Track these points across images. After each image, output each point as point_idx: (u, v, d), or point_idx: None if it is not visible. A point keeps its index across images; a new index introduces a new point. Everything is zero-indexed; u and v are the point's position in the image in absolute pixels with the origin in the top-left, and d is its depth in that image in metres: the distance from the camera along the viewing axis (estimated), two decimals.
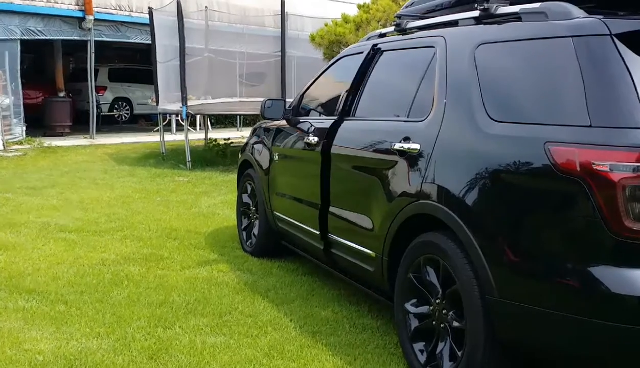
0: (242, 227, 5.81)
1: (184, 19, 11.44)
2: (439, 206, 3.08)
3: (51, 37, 15.39)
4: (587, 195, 2.44)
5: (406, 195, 3.33)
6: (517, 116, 2.85)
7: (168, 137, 14.43)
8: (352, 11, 10.94)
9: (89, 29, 15.35)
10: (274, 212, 5.10)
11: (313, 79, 5.03)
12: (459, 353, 2.96)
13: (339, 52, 5.21)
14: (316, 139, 4.35)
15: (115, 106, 20.51)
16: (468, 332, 2.89)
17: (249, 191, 5.70)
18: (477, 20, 3.32)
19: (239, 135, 15.62)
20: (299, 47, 12.93)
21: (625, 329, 2.38)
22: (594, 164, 2.43)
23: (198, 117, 17.24)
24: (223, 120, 20.61)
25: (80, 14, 15.16)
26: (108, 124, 19.36)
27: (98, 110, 17.67)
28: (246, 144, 5.92)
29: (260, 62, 13.09)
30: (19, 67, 14.34)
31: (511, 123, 2.83)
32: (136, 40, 16.58)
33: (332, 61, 4.92)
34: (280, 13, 12.57)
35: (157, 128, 14.77)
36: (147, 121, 20.31)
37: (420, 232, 3.26)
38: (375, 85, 4.05)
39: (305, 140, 4.51)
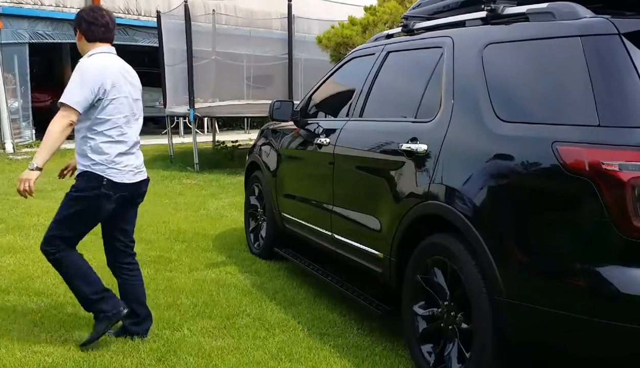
0: (250, 229, 5.82)
1: (192, 22, 11.47)
2: (446, 207, 3.07)
3: (60, 41, 15.48)
4: (596, 195, 2.43)
5: (414, 196, 3.33)
6: (525, 116, 2.84)
7: (176, 139, 14.48)
8: (359, 13, 10.93)
9: None
10: (282, 213, 5.10)
11: (321, 81, 5.04)
12: (467, 355, 2.94)
13: (346, 55, 5.21)
14: (325, 140, 4.35)
15: None
16: (476, 334, 2.88)
17: (256, 193, 5.71)
18: (485, 21, 3.32)
19: (247, 137, 15.63)
20: (306, 49, 12.94)
21: (634, 330, 2.36)
22: (603, 163, 2.42)
23: (206, 119, 17.28)
24: (231, 123, 20.63)
25: None
26: None
27: None
28: (254, 145, 5.93)
29: (267, 65, 13.10)
30: (28, 71, 14.44)
31: (519, 123, 2.83)
32: (144, 44, 16.65)
33: (340, 63, 4.91)
34: (287, 16, 12.58)
35: (165, 131, 14.80)
36: (155, 124, 20.39)
37: (428, 233, 3.25)
38: (383, 86, 4.05)
39: (314, 141, 4.52)
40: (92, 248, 5.78)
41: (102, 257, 5.44)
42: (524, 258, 2.72)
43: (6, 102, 13.72)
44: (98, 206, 3.52)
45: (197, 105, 11.54)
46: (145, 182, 3.75)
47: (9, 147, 13.34)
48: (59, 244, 3.56)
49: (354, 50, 4.85)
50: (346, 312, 4.19)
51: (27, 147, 13.92)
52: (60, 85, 17.37)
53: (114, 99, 3.48)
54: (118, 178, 3.50)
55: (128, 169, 3.56)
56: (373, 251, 3.73)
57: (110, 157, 3.47)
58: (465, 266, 2.92)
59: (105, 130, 3.48)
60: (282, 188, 5.11)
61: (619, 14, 2.78)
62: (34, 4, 14.52)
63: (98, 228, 6.70)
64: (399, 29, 4.23)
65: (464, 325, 2.99)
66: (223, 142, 13.09)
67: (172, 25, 12.27)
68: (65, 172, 3.88)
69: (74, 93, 3.37)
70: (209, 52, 12.41)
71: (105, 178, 3.45)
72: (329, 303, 4.37)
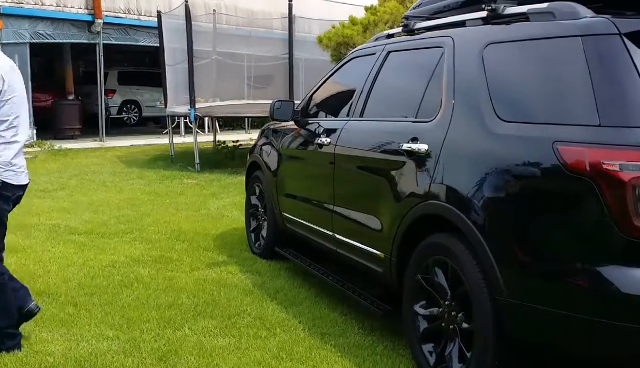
0: (251, 228, 5.82)
1: (192, 22, 11.48)
2: (447, 207, 3.08)
3: (60, 41, 15.49)
4: (596, 195, 2.43)
5: (414, 196, 3.33)
6: (526, 116, 2.85)
7: (177, 139, 14.46)
8: (360, 13, 10.94)
9: (98, 33, 15.44)
10: (283, 213, 5.11)
11: (321, 80, 5.04)
12: (468, 355, 2.95)
13: (347, 54, 5.21)
14: (326, 139, 4.35)
15: (124, 109, 20.63)
16: (477, 333, 2.88)
17: (257, 193, 5.71)
18: (485, 21, 3.32)
19: (247, 137, 15.64)
20: (306, 49, 12.94)
21: (634, 330, 2.37)
22: (603, 163, 2.42)
23: (206, 119, 17.30)
24: (231, 123, 20.66)
25: (89, 18, 15.25)
26: (117, 126, 19.45)
27: (107, 113, 17.77)
28: (254, 145, 5.93)
29: (268, 65, 13.11)
30: (29, 71, 14.43)
31: (520, 123, 2.83)
32: (145, 44, 16.65)
33: (341, 62, 4.92)
34: (287, 16, 12.59)
35: (166, 130, 14.81)
36: (156, 124, 20.41)
37: (428, 233, 3.25)
38: (384, 86, 4.05)
39: (314, 141, 4.52)
40: (92, 248, 5.81)
41: (102, 257, 5.47)
42: (525, 258, 2.72)
43: None
44: (0, 209, 3.44)
45: (197, 105, 11.55)
46: (27, 186, 3.62)
47: None
48: None
49: (354, 50, 4.85)
50: (347, 312, 4.20)
51: (27, 146, 13.92)
52: (61, 85, 17.48)
53: (9, 99, 3.39)
54: (14, 179, 3.43)
55: (21, 170, 3.50)
56: (374, 251, 3.73)
57: (6, 159, 3.38)
58: (466, 266, 2.92)
59: (0, 131, 3.37)
60: (283, 188, 5.11)
61: (619, 13, 2.78)
62: (35, 4, 14.52)
63: (104, 228, 6.70)
64: (399, 29, 4.23)
65: (464, 325, 2.99)
66: (224, 142, 13.10)
67: (172, 25, 12.27)
68: None
69: None
70: (209, 51, 12.42)
71: (2, 181, 3.36)
72: (330, 303, 4.37)
